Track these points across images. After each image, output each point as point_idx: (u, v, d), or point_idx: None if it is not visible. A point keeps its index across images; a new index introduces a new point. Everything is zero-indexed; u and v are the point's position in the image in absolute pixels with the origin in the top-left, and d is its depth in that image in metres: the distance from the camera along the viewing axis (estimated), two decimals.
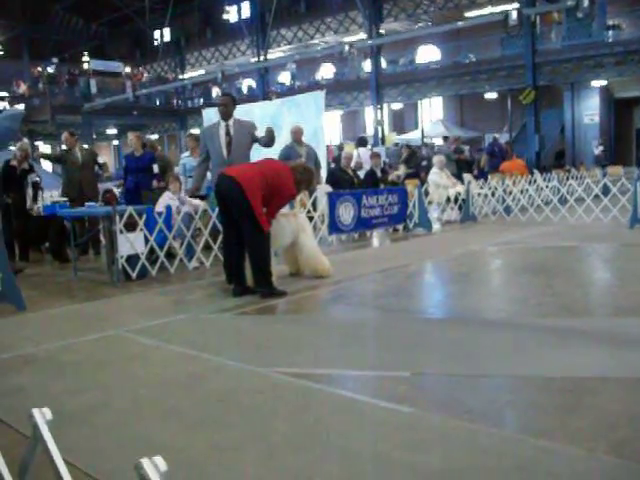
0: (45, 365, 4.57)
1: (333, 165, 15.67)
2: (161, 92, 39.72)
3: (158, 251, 8.34)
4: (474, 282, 7.36)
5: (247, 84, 41.09)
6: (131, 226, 7.95)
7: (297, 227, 7.59)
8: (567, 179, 15.71)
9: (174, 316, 5.98)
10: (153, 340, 5.09)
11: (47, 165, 23.90)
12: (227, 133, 7.74)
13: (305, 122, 12.13)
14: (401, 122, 37.70)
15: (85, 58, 41.39)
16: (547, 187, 14.70)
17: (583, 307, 5.84)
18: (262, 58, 36.53)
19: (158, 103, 41.29)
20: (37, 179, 10.67)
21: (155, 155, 10.66)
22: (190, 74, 42.69)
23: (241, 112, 8.93)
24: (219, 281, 7.62)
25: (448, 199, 13.82)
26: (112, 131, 41.40)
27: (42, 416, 1.90)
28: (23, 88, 36.99)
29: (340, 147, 22.95)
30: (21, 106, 33.23)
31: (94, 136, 38.85)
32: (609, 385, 3.73)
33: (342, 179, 12.38)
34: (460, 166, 16.89)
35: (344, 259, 9.13)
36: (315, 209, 10.74)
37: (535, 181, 15.10)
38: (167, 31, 42.83)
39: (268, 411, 3.49)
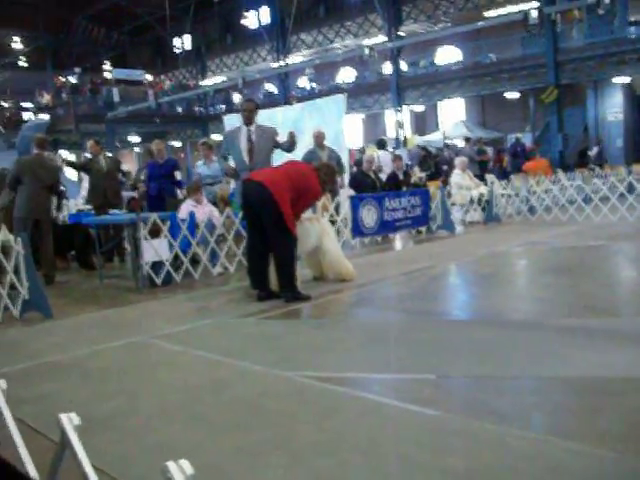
0: (72, 371, 4.61)
1: (355, 169, 15.67)
2: (183, 99, 39.97)
3: (182, 257, 8.39)
4: (498, 283, 7.32)
5: (267, 89, 41.21)
6: (155, 233, 8.01)
7: (320, 231, 7.59)
8: (591, 177, 15.57)
9: (199, 321, 6.01)
10: (179, 346, 5.12)
11: (70, 173, 24.16)
12: (249, 139, 7.77)
13: (326, 126, 12.13)
14: (422, 124, 37.53)
15: (107, 67, 41.86)
16: (571, 186, 14.57)
17: (609, 307, 5.77)
18: (282, 63, 36.61)
19: (180, 110, 41.56)
20: (62, 188, 10.76)
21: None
22: (211, 81, 42.86)
23: (263, 117, 8.97)
24: (243, 286, 7.64)
25: (471, 200, 13.75)
26: (135, 139, 41.72)
27: (70, 421, 1.92)
28: (47, 98, 37.46)
29: (362, 150, 22.91)
30: (46, 116, 33.69)
31: (117, 144, 39.16)
32: (636, 385, 3.68)
33: (364, 182, 12.37)
34: (483, 167, 16.83)
35: (367, 262, 9.12)
36: (338, 213, 10.74)
37: (559, 180, 14.98)
38: (188, 38, 43.10)
39: (293, 415, 3.50)
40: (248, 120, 7.83)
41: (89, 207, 11.24)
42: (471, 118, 35.45)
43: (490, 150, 19.96)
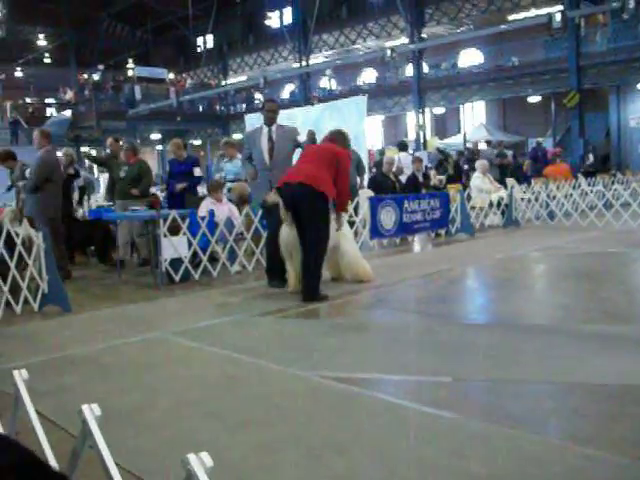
0: (90, 366, 4.65)
1: (374, 170, 15.66)
2: (204, 98, 40.12)
3: (201, 255, 8.43)
4: (516, 287, 7.29)
5: (288, 89, 41.27)
6: (175, 230, 8.05)
7: (338, 232, 7.59)
8: (612, 183, 15.45)
9: (216, 319, 6.04)
10: (196, 342, 5.15)
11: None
12: (270, 139, 7.78)
13: (347, 127, 12.08)
14: (443, 126, 37.45)
15: (130, 65, 42.08)
16: (592, 192, 14.47)
17: (627, 314, 5.73)
18: (304, 63, 36.64)
19: (201, 109, 41.74)
20: (82, 184, 10.83)
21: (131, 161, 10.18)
22: (233, 80, 42.99)
23: (284, 117, 8.98)
24: (261, 285, 7.67)
25: (491, 204, 13.70)
26: (156, 136, 41.91)
27: (91, 412, 1.94)
28: (70, 95, 37.72)
29: (381, 152, 22.90)
30: (68, 112, 33.98)
31: (138, 141, 39.41)
32: None
33: (384, 184, 12.36)
34: (503, 171, 16.75)
35: (385, 264, 9.11)
36: (357, 214, 10.74)
37: (579, 186, 14.88)
38: (210, 38, 43.30)
39: (309, 414, 3.51)
40: (271, 121, 7.83)
41: (109, 203, 11.32)
42: (492, 121, 35.32)
43: (510, 154, 19.86)
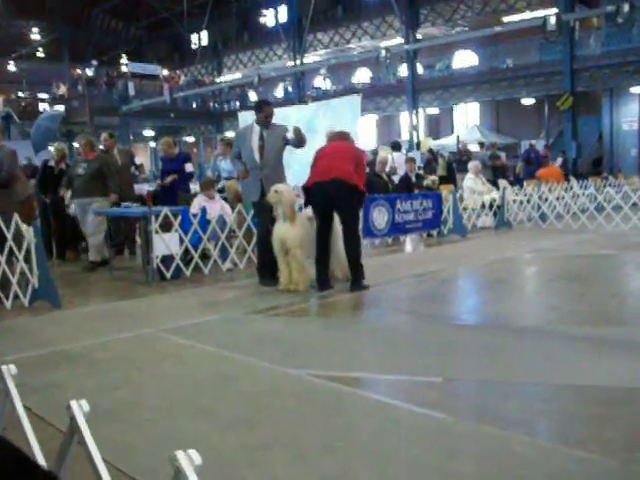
0: (79, 362, 4.63)
1: (367, 170, 15.63)
2: (198, 95, 40.02)
3: (193, 252, 8.40)
4: (508, 289, 7.30)
5: (282, 87, 41.21)
6: (166, 227, 8.03)
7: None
8: (604, 186, 15.50)
9: (207, 316, 6.02)
10: (186, 340, 5.13)
11: None
12: (260, 137, 7.73)
13: (340, 126, 12.10)
14: (436, 127, 37.48)
15: (123, 61, 42.00)
16: (584, 194, 14.51)
17: (618, 316, 5.76)
18: (298, 62, 36.62)
19: (195, 106, 41.60)
20: None
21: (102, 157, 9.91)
22: (227, 77, 42.92)
23: (278, 116, 8.93)
24: (252, 283, 7.66)
25: (483, 205, 13.71)
26: (149, 133, 41.80)
27: (80, 408, 1.93)
28: (63, 90, 37.55)
29: (374, 152, 22.89)
30: (61, 107, 33.82)
31: (131, 137, 39.28)
32: None
33: (376, 184, 12.32)
34: (496, 172, 16.76)
35: (377, 263, 9.10)
36: None
37: (571, 188, 14.91)
38: (205, 35, 43.16)
39: (299, 413, 3.50)
40: (267, 125, 7.72)
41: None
42: (485, 123, 35.37)
43: (503, 155, 19.88)
